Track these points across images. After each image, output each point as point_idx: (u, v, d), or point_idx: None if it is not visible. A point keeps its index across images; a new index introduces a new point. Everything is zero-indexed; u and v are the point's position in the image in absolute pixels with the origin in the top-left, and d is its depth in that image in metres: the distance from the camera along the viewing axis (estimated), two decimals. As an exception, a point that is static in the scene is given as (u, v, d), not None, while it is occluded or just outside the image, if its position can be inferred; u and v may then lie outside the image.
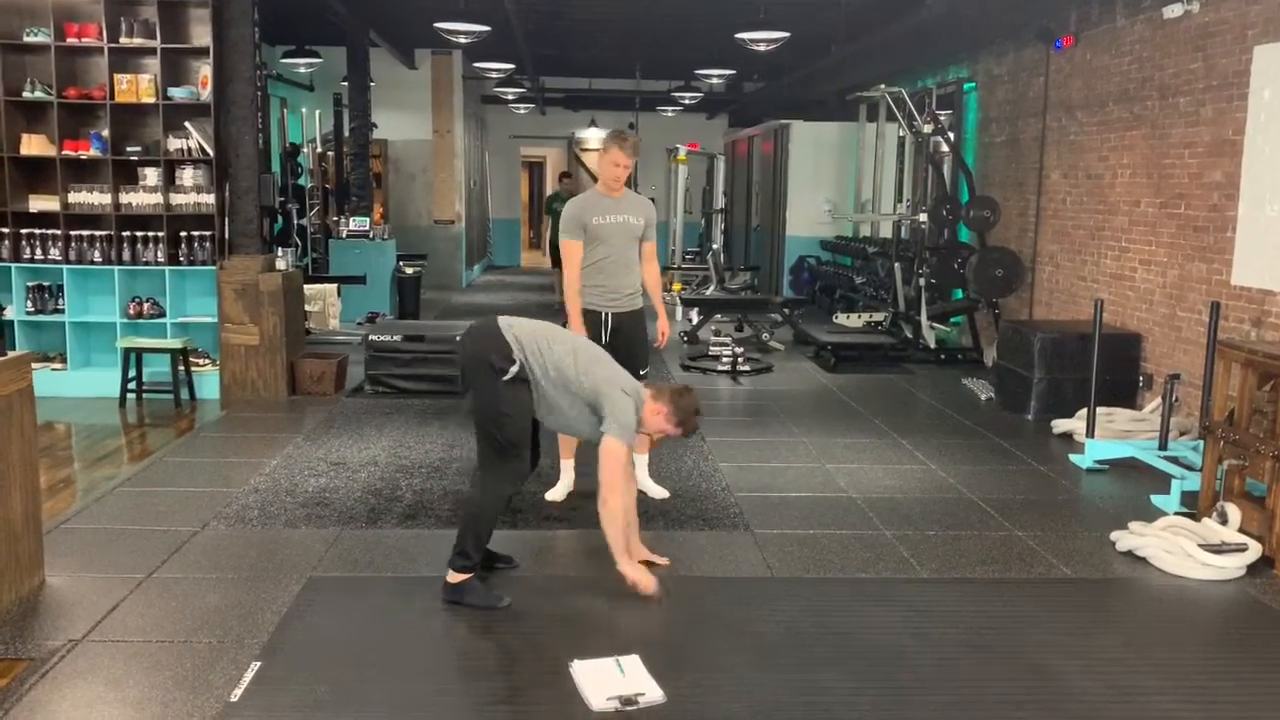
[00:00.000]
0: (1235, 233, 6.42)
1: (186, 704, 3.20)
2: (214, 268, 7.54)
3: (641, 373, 5.26)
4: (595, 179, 5.38)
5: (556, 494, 5.27)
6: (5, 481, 3.89)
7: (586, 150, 21.98)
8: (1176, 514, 5.13)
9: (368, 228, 12.22)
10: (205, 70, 7.43)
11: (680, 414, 4.08)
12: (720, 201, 16.42)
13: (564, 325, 4.86)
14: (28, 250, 7.53)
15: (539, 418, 4.09)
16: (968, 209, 9.74)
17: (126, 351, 7.43)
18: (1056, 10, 8.66)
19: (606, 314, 5.20)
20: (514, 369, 3.93)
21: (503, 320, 4.09)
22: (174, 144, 7.53)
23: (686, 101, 17.48)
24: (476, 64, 13.88)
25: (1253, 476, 4.86)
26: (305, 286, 8.89)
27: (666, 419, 4.08)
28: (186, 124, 7.51)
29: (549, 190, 23.04)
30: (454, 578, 3.97)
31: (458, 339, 4.26)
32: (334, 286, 10.69)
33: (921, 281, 9.98)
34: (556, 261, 13.86)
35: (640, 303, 5.35)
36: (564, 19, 12.57)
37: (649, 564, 4.34)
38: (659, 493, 5.36)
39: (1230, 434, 4.93)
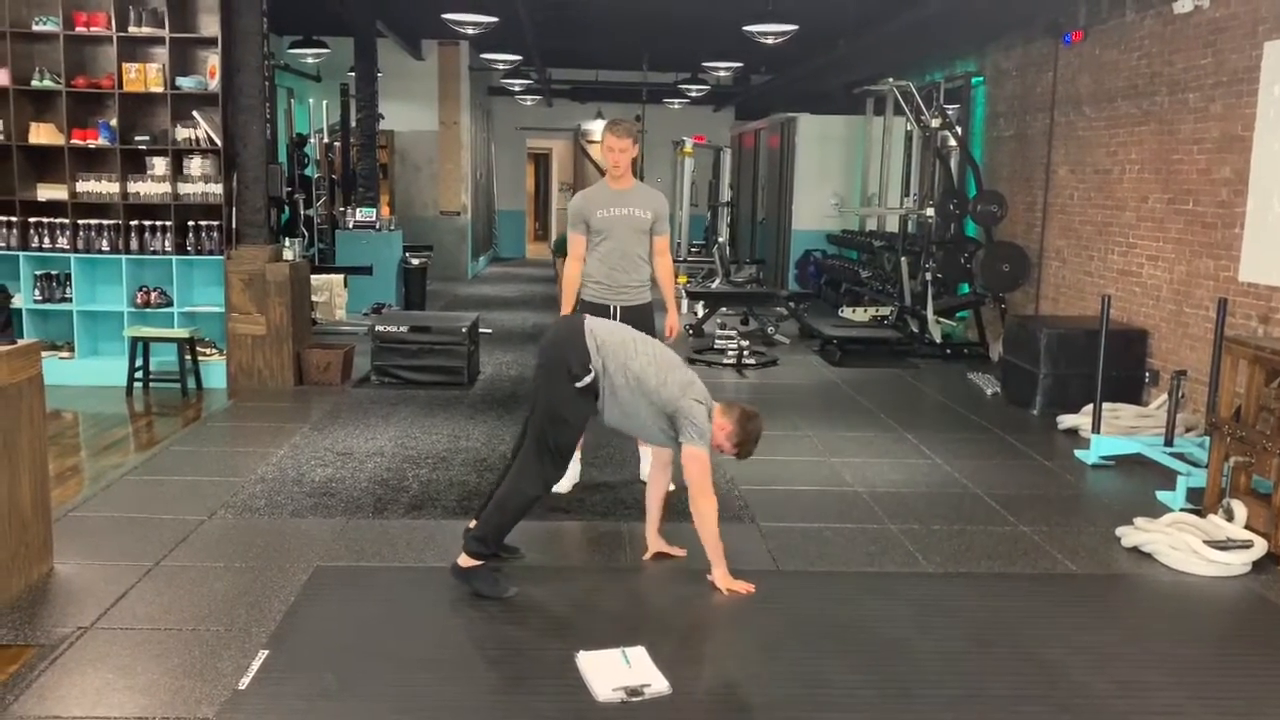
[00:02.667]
0: (1243, 229, 6.41)
1: (195, 691, 3.22)
2: (221, 257, 7.55)
3: None
4: (601, 171, 5.37)
5: (562, 485, 5.27)
6: (15, 468, 3.91)
7: (592, 142, 21.98)
8: (1182, 510, 5.13)
9: (374, 218, 12.22)
10: (213, 60, 7.43)
11: (742, 437, 4.09)
12: (726, 194, 16.38)
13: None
14: (36, 239, 7.55)
15: (611, 422, 4.11)
16: (975, 204, 9.72)
17: (134, 340, 7.44)
18: (1066, 5, 8.63)
19: (614, 308, 5.18)
20: (588, 378, 3.94)
21: (588, 323, 4.09)
22: (182, 133, 7.53)
23: (693, 94, 17.46)
24: (484, 55, 13.89)
25: (1259, 473, 4.86)
26: (312, 277, 8.90)
27: (727, 437, 4.09)
28: (194, 114, 7.52)
29: (555, 183, 23.06)
30: (465, 561, 3.99)
31: (544, 335, 4.28)
32: (340, 277, 10.69)
33: (928, 276, 9.98)
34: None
35: (648, 296, 5.32)
36: (572, 10, 12.55)
37: (664, 555, 4.39)
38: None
39: (1237, 430, 4.92)
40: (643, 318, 5.26)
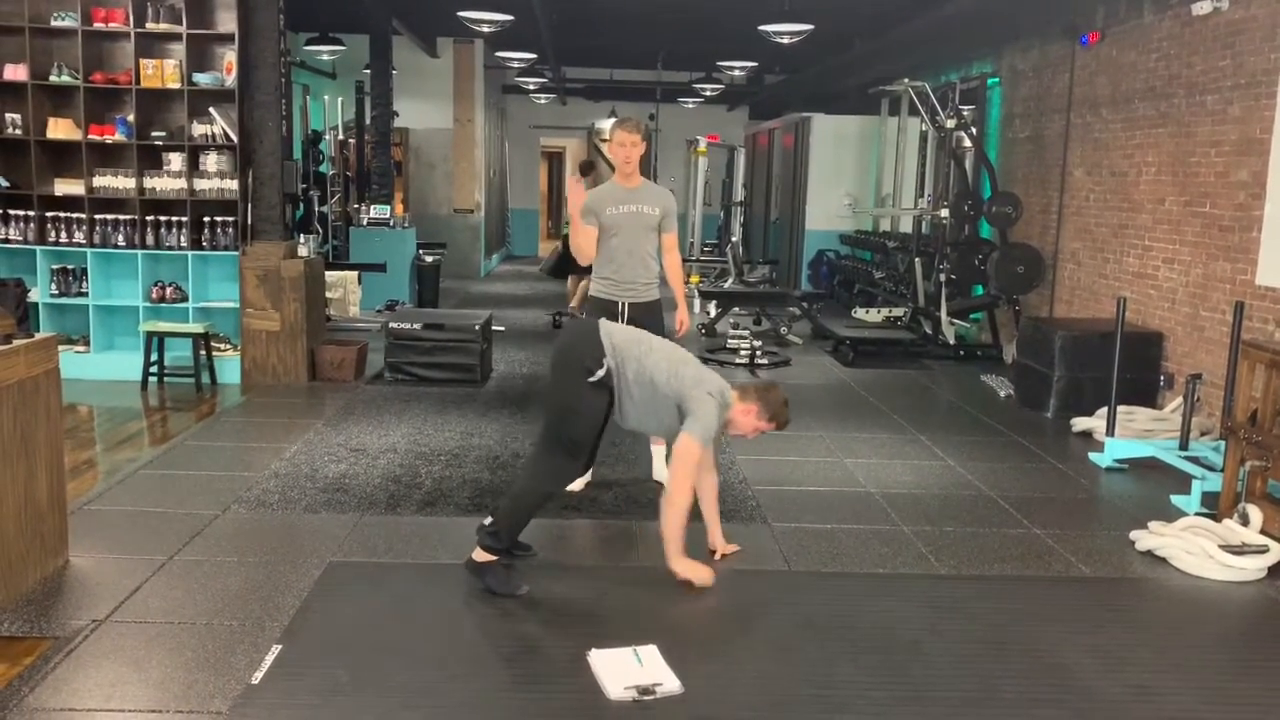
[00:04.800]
0: (1261, 232, 6.37)
1: (209, 685, 3.23)
2: (236, 253, 7.58)
3: None
4: (613, 169, 5.38)
5: (575, 484, 5.26)
6: (32, 462, 3.93)
7: (605, 140, 21.98)
8: (1197, 514, 5.10)
9: (388, 216, 12.25)
10: (230, 56, 7.46)
11: (771, 409, 4.16)
12: (740, 194, 16.36)
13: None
14: (53, 233, 7.59)
15: (628, 424, 4.14)
16: (989, 205, 9.69)
17: (149, 335, 7.48)
18: (1083, 6, 8.59)
19: (622, 304, 5.20)
20: (600, 373, 3.98)
21: (603, 324, 4.17)
22: (198, 129, 7.56)
23: (707, 93, 17.45)
24: (498, 53, 13.90)
25: (1275, 478, 4.83)
26: (326, 273, 8.92)
27: (758, 416, 4.15)
28: (211, 110, 7.55)
29: (568, 183, 23.06)
30: (480, 555, 4.00)
31: (559, 335, 4.32)
32: (354, 274, 10.73)
33: (942, 277, 9.95)
34: (563, 272, 12.75)
35: (656, 294, 5.33)
36: (586, 9, 12.55)
37: (727, 555, 4.42)
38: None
39: (1253, 435, 4.90)
40: (652, 314, 5.27)
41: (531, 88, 18.19)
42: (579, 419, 4.02)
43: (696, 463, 4.02)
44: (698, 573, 4.05)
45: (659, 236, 5.27)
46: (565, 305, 11.55)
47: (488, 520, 4.05)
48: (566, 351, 4.11)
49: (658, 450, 5.40)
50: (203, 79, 7.50)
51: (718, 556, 4.41)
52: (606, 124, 21.15)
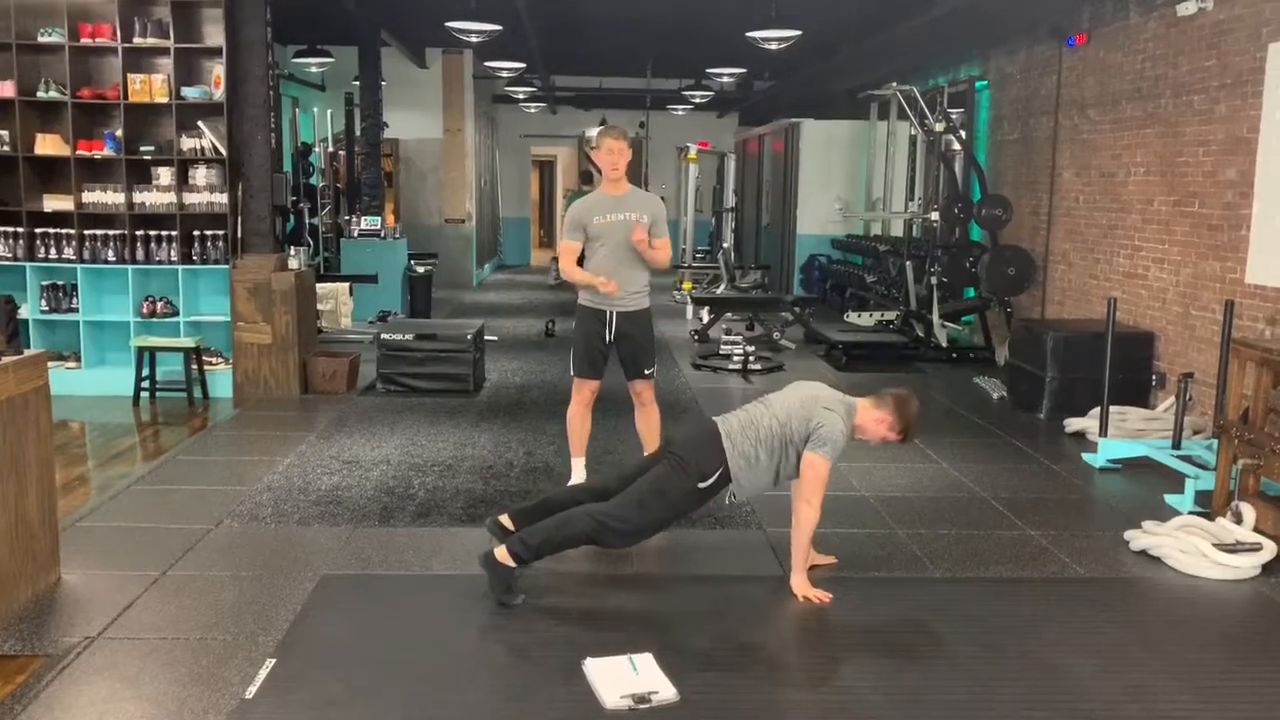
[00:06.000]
0: (1250, 231, 6.39)
1: (202, 700, 3.22)
2: (227, 267, 7.56)
3: (647, 372, 5.27)
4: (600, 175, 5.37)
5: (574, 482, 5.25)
6: (22, 479, 3.92)
7: (596, 149, 21.97)
8: (1190, 513, 5.11)
9: (379, 227, 12.25)
10: (218, 70, 7.45)
11: (904, 421, 4.18)
12: (731, 200, 16.39)
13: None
14: (42, 249, 7.57)
15: (748, 493, 4.17)
16: (979, 207, 9.71)
17: (140, 350, 7.46)
18: (1069, 8, 8.63)
19: (610, 313, 5.17)
20: (712, 480, 4.02)
21: (722, 426, 4.11)
22: (187, 143, 7.55)
23: (697, 100, 17.47)
24: (487, 63, 13.91)
25: (1267, 476, 4.84)
26: (317, 285, 8.91)
27: (890, 427, 4.18)
28: (199, 123, 7.54)
29: (560, 190, 23.08)
30: (501, 555, 3.96)
31: (682, 426, 4.40)
32: (346, 285, 10.72)
33: (933, 280, 9.96)
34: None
35: (646, 302, 5.30)
36: (575, 18, 12.58)
37: (817, 565, 4.40)
38: None
39: (1245, 433, 4.91)
40: (639, 325, 5.24)
41: (521, 97, 18.20)
42: (669, 508, 4.05)
43: (826, 478, 4.05)
44: (817, 595, 4.07)
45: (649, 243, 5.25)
46: (558, 315, 11.55)
47: (504, 517, 4.09)
48: (687, 453, 4.08)
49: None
50: (191, 93, 7.49)
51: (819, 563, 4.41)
52: (596, 132, 21.22)
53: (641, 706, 3.19)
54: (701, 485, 4.03)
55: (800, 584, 4.10)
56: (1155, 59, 7.60)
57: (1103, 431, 6.22)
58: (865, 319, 11.46)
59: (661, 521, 4.11)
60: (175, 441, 6.49)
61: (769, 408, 4.16)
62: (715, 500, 4.25)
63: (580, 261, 5.23)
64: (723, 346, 9.49)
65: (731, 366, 9.08)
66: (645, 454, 5.44)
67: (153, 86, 7.45)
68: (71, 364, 7.68)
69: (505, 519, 4.22)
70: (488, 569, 3.98)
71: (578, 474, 5.34)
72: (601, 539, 4.05)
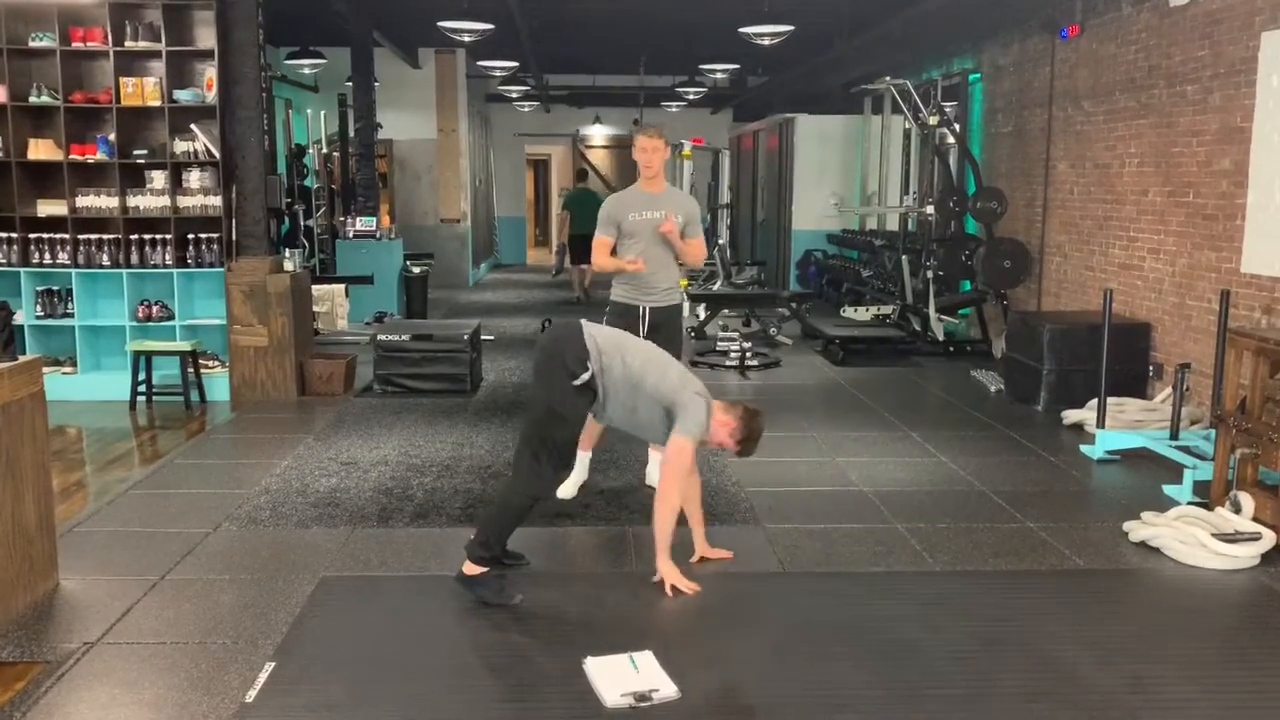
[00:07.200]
0: (1244, 220, 6.39)
1: (202, 705, 3.21)
2: (222, 270, 7.55)
3: None
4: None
5: (567, 489, 5.26)
6: (18, 486, 3.91)
7: (591, 147, 21.98)
8: (1189, 504, 5.11)
9: (374, 228, 12.23)
10: (210, 72, 7.43)
11: (745, 434, 4.13)
12: (726, 196, 16.40)
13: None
14: (36, 255, 7.56)
15: (613, 421, 4.14)
16: (974, 200, 9.71)
17: (136, 354, 7.44)
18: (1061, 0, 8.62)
19: (644, 308, 5.21)
20: (586, 375, 3.97)
21: (586, 325, 4.12)
22: (180, 146, 7.54)
23: (691, 97, 17.47)
24: (480, 62, 13.90)
25: (1266, 465, 4.84)
26: (313, 287, 8.90)
27: (731, 434, 4.12)
28: (192, 126, 7.52)
29: (555, 189, 23.07)
30: (470, 569, 3.97)
31: (541, 337, 4.28)
32: (342, 287, 10.69)
33: (929, 274, 9.96)
34: (574, 258, 14.07)
35: (678, 298, 5.38)
36: (567, 16, 12.56)
37: (709, 559, 4.40)
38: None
39: (1242, 423, 4.91)
40: (671, 319, 5.31)
41: (515, 96, 18.19)
42: (564, 422, 4.01)
43: (691, 460, 4.04)
44: (681, 581, 4.04)
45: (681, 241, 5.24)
46: (556, 313, 11.54)
47: (474, 533, 4.03)
48: (551, 354, 4.08)
49: (653, 455, 5.38)
50: (183, 96, 7.47)
51: (695, 560, 4.38)
52: (591, 130, 21.23)
53: (643, 705, 3.18)
54: (576, 382, 3.95)
55: (667, 569, 4.06)
56: (1148, 49, 7.60)
57: (1100, 423, 6.22)
58: (862, 314, 11.45)
59: (569, 437, 4.04)
60: (172, 445, 6.48)
61: (642, 350, 4.14)
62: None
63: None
64: (720, 343, 9.48)
65: (728, 363, 9.07)
66: (650, 449, 5.44)
67: (145, 90, 7.44)
68: (67, 369, 7.67)
69: (475, 533, 4.18)
70: (467, 587, 3.97)
71: (580, 470, 5.32)
72: (535, 489, 4.02)
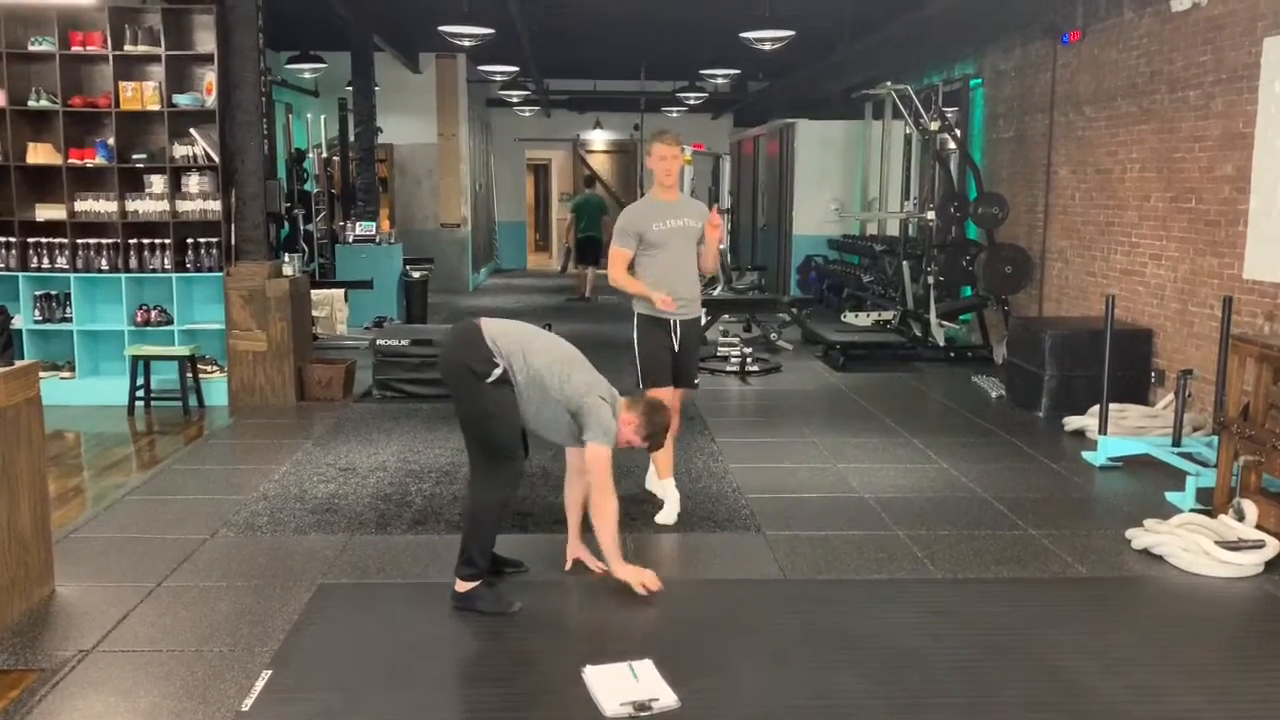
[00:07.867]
0: (1247, 226, 6.37)
1: (198, 713, 3.18)
2: (221, 274, 7.53)
3: (696, 381, 5.39)
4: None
5: (666, 516, 5.08)
6: (14, 491, 3.88)
7: (591, 152, 21.98)
8: (1192, 511, 5.08)
9: (374, 232, 12.21)
10: (210, 77, 7.42)
11: (649, 428, 4.11)
12: (726, 201, 16.39)
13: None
14: (35, 259, 7.54)
15: (526, 423, 4.05)
16: (976, 206, 9.70)
17: (134, 359, 7.42)
18: (1063, 5, 8.61)
19: (674, 322, 5.11)
20: (496, 372, 3.90)
21: (483, 323, 4.04)
22: (179, 151, 7.52)
23: (691, 102, 17.46)
24: (481, 67, 13.88)
25: (1269, 472, 4.82)
26: (312, 292, 8.87)
27: (635, 430, 4.09)
28: (192, 131, 7.51)
29: (555, 193, 23.06)
30: (462, 586, 3.94)
31: (441, 346, 4.22)
32: (341, 291, 10.66)
33: (930, 279, 9.94)
34: (581, 259, 14.76)
35: (699, 310, 5.36)
36: (568, 21, 12.56)
37: (582, 564, 4.34)
38: (673, 502, 5.23)
39: (1245, 429, 4.88)
40: (697, 332, 5.31)
41: (515, 101, 18.17)
42: (496, 421, 3.93)
43: (610, 466, 3.99)
44: (642, 576, 4.03)
45: (697, 250, 5.19)
46: (557, 317, 11.52)
47: (458, 554, 3.98)
48: (453, 363, 3.99)
49: (654, 461, 5.33)
50: (183, 100, 7.46)
51: (567, 566, 4.35)
52: (591, 135, 21.23)
53: (642, 714, 3.16)
54: (489, 380, 3.88)
55: (627, 571, 4.05)
56: (1150, 55, 7.58)
57: (1102, 429, 6.19)
58: (862, 319, 11.42)
59: (509, 432, 3.94)
60: (170, 451, 6.46)
61: (544, 347, 4.05)
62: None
63: (629, 270, 5.18)
64: (720, 348, 9.46)
65: (729, 368, 9.05)
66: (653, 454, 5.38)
67: (144, 94, 7.42)
68: (66, 374, 7.64)
69: (460, 551, 4.14)
70: (464, 604, 3.94)
71: (671, 498, 5.16)
72: (499, 493, 3.95)
